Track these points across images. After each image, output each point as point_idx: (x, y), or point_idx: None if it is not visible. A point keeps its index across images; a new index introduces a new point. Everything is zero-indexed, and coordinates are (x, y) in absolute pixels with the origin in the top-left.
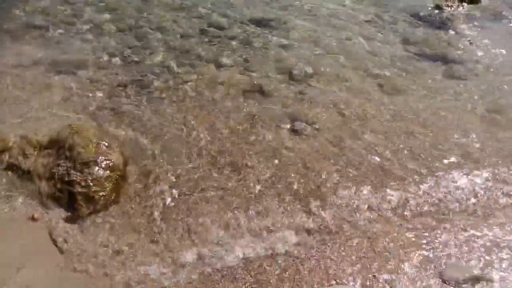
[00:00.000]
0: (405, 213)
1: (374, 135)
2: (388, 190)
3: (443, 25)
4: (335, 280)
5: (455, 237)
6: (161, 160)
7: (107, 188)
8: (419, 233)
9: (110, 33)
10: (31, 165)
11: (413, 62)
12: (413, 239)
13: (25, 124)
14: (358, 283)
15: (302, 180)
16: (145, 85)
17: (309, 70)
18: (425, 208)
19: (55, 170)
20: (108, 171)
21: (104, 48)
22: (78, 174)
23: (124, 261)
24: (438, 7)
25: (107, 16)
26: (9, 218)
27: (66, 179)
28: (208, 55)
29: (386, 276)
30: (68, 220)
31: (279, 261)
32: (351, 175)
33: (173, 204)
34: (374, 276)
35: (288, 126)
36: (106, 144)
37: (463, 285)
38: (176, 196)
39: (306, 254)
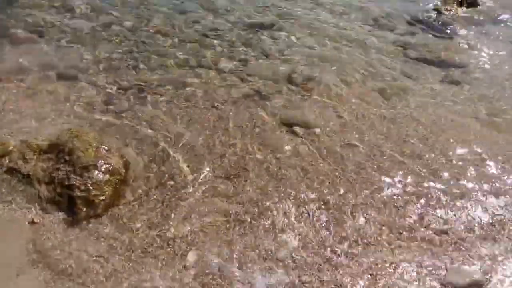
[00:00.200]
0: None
1: (373, 139)
2: (387, 194)
3: (442, 28)
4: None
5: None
6: (162, 164)
7: (107, 192)
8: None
9: (109, 38)
10: (31, 169)
11: (413, 66)
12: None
13: (25, 129)
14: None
15: (302, 184)
16: (144, 89)
17: (309, 74)
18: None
19: (55, 174)
20: (107, 175)
21: (104, 53)
22: (78, 178)
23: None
24: (437, 10)
25: (106, 21)
26: (8, 221)
27: (66, 183)
28: (208, 59)
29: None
30: (67, 224)
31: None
32: (350, 179)
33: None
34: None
35: (288, 129)
36: (106, 148)
37: None
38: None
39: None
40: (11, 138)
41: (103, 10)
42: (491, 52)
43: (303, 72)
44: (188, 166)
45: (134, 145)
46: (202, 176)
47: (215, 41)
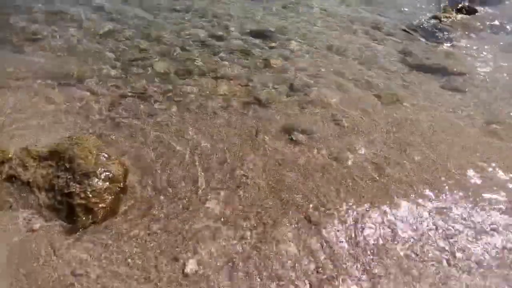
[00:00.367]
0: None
1: (372, 147)
2: (385, 203)
3: (441, 35)
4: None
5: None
6: (161, 172)
7: (107, 200)
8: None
9: (110, 44)
10: (30, 176)
11: (412, 73)
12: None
13: (25, 136)
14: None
15: (300, 192)
16: (145, 97)
17: (309, 81)
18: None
19: (55, 182)
20: (107, 183)
21: (104, 60)
22: (78, 185)
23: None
24: (436, 17)
25: (107, 28)
26: (8, 229)
27: (66, 190)
28: (208, 66)
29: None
30: (67, 231)
31: None
32: (348, 187)
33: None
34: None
35: (288, 137)
36: (106, 155)
37: None
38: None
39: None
40: (11, 145)
41: (102, 19)
42: (490, 59)
43: (302, 79)
44: (188, 172)
45: (133, 153)
46: (201, 183)
47: (215, 49)
